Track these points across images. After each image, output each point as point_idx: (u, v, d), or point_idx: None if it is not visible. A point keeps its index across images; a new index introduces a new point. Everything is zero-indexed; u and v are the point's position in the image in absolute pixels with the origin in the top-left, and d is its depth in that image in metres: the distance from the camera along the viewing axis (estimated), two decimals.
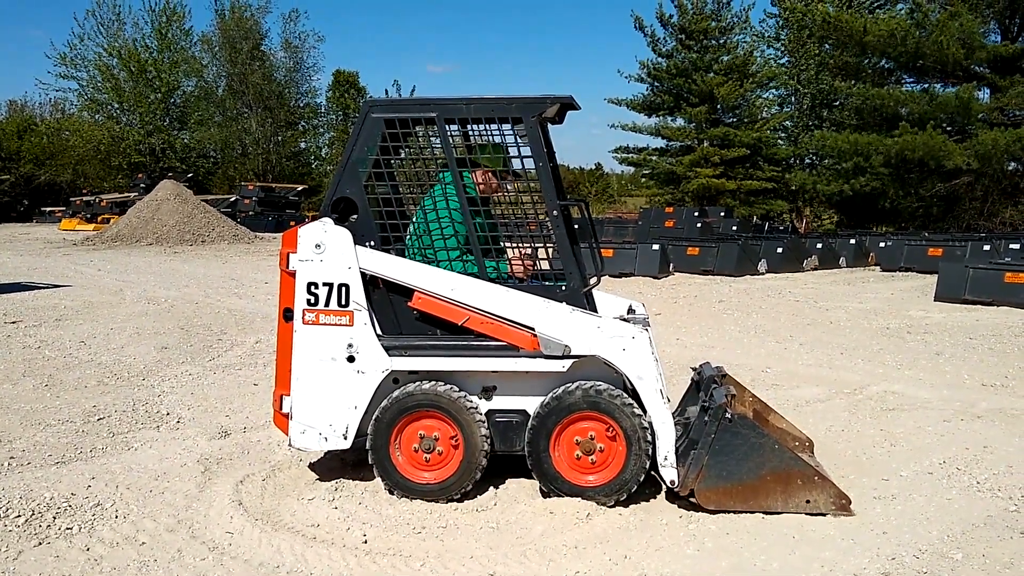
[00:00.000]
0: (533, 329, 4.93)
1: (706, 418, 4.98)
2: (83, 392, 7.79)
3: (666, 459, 4.88)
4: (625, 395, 4.96)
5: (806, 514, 4.85)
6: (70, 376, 8.39)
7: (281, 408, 5.21)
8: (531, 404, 5.09)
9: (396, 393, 5.08)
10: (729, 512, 4.89)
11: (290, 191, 43.52)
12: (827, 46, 35.16)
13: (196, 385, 8.15)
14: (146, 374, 8.56)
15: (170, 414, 7.08)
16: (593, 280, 5.34)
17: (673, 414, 5.15)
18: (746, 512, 4.89)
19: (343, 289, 5.06)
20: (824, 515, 4.84)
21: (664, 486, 5.30)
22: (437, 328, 5.12)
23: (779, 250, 20.80)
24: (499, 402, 5.17)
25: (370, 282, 5.11)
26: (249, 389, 7.98)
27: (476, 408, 5.05)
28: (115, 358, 9.29)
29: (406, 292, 5.09)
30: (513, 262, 5.27)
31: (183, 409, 7.26)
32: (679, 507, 5.03)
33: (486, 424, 5.05)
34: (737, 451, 4.87)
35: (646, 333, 4.98)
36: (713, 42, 40.06)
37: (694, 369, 6.14)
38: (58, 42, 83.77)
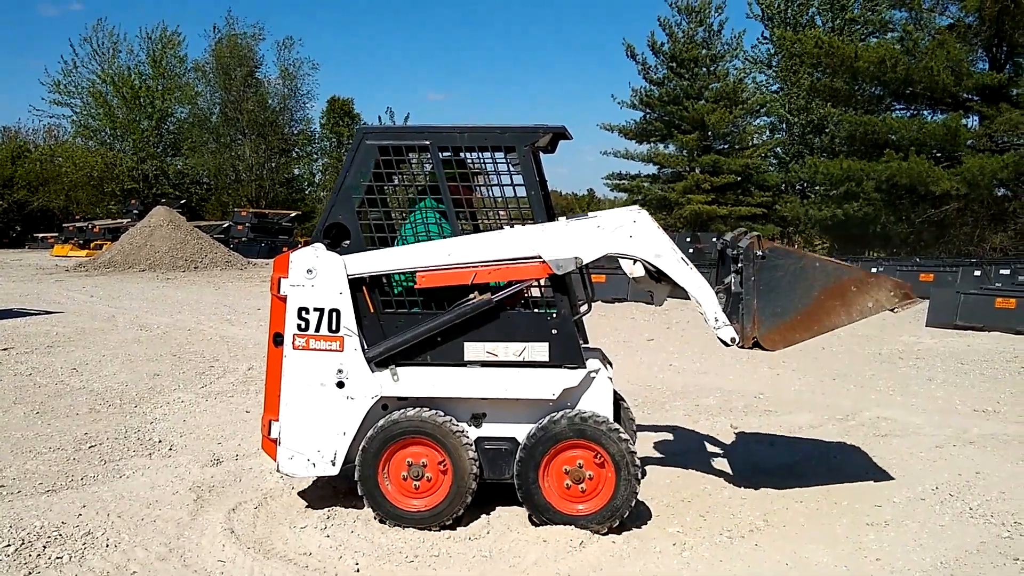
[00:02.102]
0: (540, 257, 4.93)
1: (740, 266, 4.94)
2: (74, 419, 7.75)
3: (716, 320, 4.91)
4: (611, 421, 4.96)
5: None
6: (61, 403, 8.35)
7: (269, 433, 5.19)
8: (521, 432, 5.08)
9: (381, 422, 5.06)
10: (797, 344, 4.89)
11: (283, 217, 43.54)
12: (818, 74, 35.50)
13: (188, 412, 8.12)
14: (138, 401, 8.53)
15: (162, 441, 7.05)
16: (584, 308, 5.35)
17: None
18: (814, 338, 4.89)
19: (334, 314, 5.06)
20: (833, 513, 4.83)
21: (652, 518, 5.31)
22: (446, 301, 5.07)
23: None
24: (489, 429, 5.16)
25: (360, 299, 5.08)
26: (241, 416, 7.95)
27: (462, 431, 5.04)
28: (107, 385, 9.26)
29: (399, 315, 5.08)
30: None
31: (175, 436, 7.23)
32: (672, 534, 5.02)
33: (473, 447, 5.04)
34: (782, 284, 4.84)
35: (645, 212, 5.00)
36: (703, 70, 40.44)
37: (716, 245, 6.06)
38: (52, 69, 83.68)
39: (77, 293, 20.30)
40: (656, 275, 5.20)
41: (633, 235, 4.92)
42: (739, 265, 4.98)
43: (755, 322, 4.82)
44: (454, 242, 4.99)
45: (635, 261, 5.16)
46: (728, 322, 4.91)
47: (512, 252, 4.95)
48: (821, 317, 4.85)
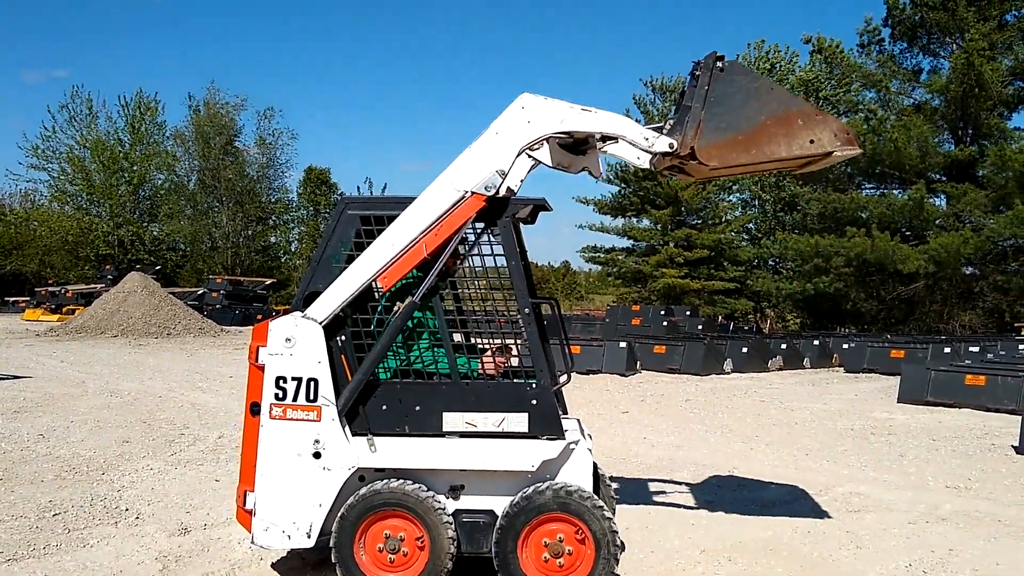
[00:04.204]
0: (468, 191, 4.96)
1: (697, 72, 4.91)
2: (39, 487, 7.60)
3: (647, 139, 4.93)
4: (595, 497, 4.92)
5: None
6: (26, 470, 8.19)
7: (244, 504, 5.12)
8: (499, 504, 5.03)
9: (363, 491, 4.99)
10: (733, 167, 4.84)
11: (258, 284, 43.47)
12: None
13: (157, 480, 7.99)
14: (106, 468, 8.38)
15: (129, 510, 6.92)
16: (563, 378, 5.37)
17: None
18: (751, 164, 4.84)
19: (312, 383, 5.02)
20: None
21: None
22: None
23: (744, 350, 21.02)
24: (466, 502, 5.10)
25: (339, 365, 5.07)
26: (211, 485, 7.83)
27: (444, 509, 4.97)
28: (74, 452, 9.10)
29: (375, 385, 5.07)
30: (484, 359, 5.29)
31: (143, 505, 7.10)
32: None
33: (453, 526, 4.98)
34: (733, 100, 4.82)
35: (528, 94, 5.01)
36: None
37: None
38: (32, 133, 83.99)
39: (47, 358, 20.05)
40: (572, 145, 5.16)
41: (531, 119, 4.97)
42: (696, 75, 4.98)
43: (697, 131, 4.82)
44: (389, 231, 5.00)
45: (548, 140, 5.06)
46: (659, 135, 4.92)
47: (442, 205, 4.98)
48: (762, 143, 4.85)
